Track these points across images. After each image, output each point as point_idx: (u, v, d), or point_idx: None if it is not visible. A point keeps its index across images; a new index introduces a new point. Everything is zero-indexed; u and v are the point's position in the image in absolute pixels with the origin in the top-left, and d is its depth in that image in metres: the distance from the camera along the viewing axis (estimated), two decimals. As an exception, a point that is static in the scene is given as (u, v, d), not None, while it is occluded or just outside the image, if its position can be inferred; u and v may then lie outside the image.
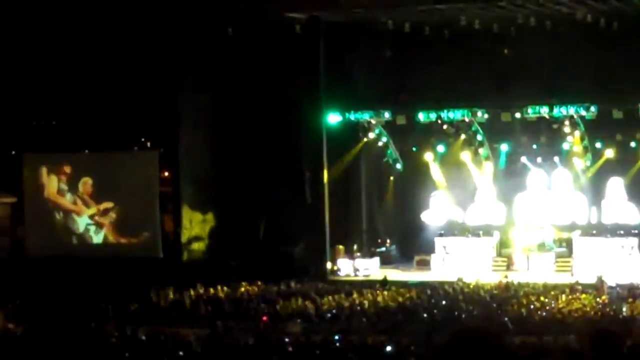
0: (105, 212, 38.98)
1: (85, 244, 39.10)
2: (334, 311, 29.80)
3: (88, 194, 38.94)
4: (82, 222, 39.14)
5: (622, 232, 36.22)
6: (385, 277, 34.91)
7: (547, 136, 37.60)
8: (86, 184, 39.00)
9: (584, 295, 30.14)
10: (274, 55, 36.47)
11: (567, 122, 36.11)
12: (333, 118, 37.11)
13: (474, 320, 26.99)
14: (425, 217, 39.93)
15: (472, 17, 34.65)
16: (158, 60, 36.87)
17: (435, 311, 28.75)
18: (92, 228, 39.11)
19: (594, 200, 37.91)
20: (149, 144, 41.18)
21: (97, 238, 39.24)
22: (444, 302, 30.21)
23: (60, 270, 34.40)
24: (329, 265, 36.80)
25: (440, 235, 38.55)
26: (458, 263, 36.66)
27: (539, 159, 38.62)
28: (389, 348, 18.37)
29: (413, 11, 35.03)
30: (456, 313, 28.25)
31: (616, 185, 37.69)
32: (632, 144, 36.82)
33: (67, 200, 39.16)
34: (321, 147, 36.94)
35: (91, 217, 39.07)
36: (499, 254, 37.54)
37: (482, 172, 39.24)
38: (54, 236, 39.22)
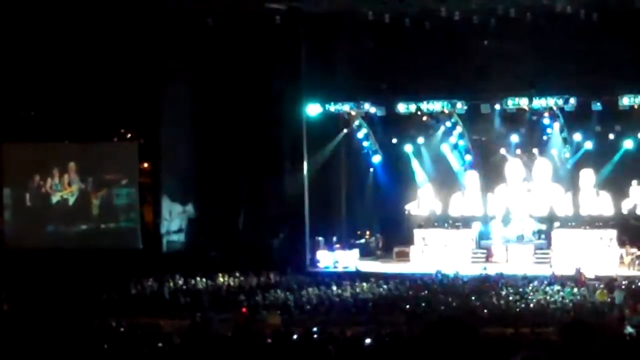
0: (85, 201, 38.94)
1: (65, 234, 38.95)
2: (313, 303, 29.87)
3: (70, 181, 38.88)
4: (62, 210, 39.05)
5: (600, 223, 36.30)
6: (356, 268, 35.13)
7: (527, 128, 37.67)
8: (70, 170, 38.90)
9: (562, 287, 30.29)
10: (254, 47, 36.39)
11: (546, 114, 36.22)
12: (313, 109, 37.02)
13: (452, 311, 27.12)
14: (410, 208, 39.86)
15: (452, 8, 34.64)
16: (138, 51, 36.73)
17: (414, 303, 28.86)
18: (73, 216, 39.04)
19: (573, 192, 38.00)
20: (129, 135, 41.06)
21: (76, 227, 39.11)
22: (423, 294, 30.32)
23: (39, 262, 34.25)
24: (308, 256, 36.80)
25: (420, 227, 38.54)
26: (437, 255, 36.66)
27: (518, 151, 38.65)
28: (368, 340, 18.36)
29: (393, 2, 34.99)
30: (435, 305, 28.35)
31: (587, 177, 37.76)
32: (611, 136, 36.86)
33: (49, 189, 39.08)
34: (301, 139, 36.88)
35: (72, 204, 39.02)
36: (478, 246, 37.58)
37: (461, 164, 39.30)
38: (33, 226, 39.06)
